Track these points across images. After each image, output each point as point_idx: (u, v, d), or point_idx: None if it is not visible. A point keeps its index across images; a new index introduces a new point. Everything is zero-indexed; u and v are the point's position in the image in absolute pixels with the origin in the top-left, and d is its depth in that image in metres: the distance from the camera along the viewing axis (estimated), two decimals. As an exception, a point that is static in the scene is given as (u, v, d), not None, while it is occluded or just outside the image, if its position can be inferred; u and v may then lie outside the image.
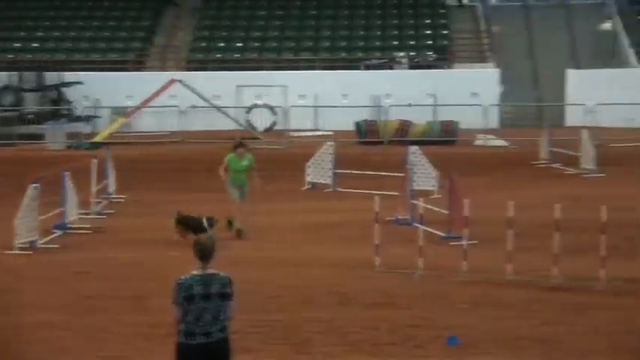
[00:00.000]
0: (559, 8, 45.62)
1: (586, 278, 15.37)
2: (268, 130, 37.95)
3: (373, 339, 12.43)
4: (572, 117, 38.39)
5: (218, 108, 37.34)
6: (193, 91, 36.75)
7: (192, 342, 8.55)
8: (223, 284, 8.61)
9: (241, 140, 21.14)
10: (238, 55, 44.08)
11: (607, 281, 15.03)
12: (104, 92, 39.38)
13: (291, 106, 36.55)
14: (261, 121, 38.58)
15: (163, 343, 11.53)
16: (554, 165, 29.09)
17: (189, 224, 18.39)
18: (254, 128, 37.81)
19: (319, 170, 26.02)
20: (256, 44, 44.75)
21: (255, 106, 38.71)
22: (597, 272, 15.14)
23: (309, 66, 42.83)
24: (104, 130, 36.68)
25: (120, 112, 38.22)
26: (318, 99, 39.08)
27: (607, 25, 44.41)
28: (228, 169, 19.14)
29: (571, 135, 30.69)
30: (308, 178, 26.09)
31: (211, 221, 18.41)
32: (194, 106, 37.39)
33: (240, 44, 44.75)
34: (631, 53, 41.70)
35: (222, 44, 44.75)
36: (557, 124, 35.17)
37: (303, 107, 38.27)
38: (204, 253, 8.59)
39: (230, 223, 19.05)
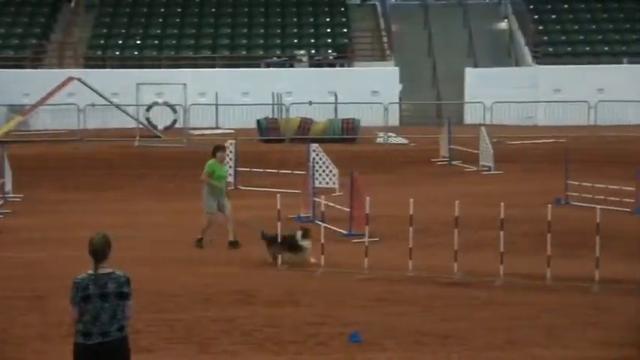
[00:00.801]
0: (457, 7, 46.22)
1: (485, 274, 15.57)
2: (168, 129, 37.59)
3: (276, 337, 12.39)
4: (471, 115, 38.94)
5: (117, 106, 36.85)
6: (92, 88, 36.18)
7: (89, 342, 8.40)
8: (120, 283, 8.47)
9: (220, 144, 18.80)
10: (137, 53, 43.57)
11: (505, 277, 15.25)
12: (0, 90, 38.48)
13: (192, 104, 36.26)
14: (161, 119, 38.19)
15: (62, 344, 11.30)
16: (453, 162, 29.45)
17: (283, 242, 16.35)
18: (154, 126, 37.41)
19: (220, 168, 25.80)
20: (155, 42, 44.31)
21: (155, 104, 38.31)
22: (496, 268, 15.35)
23: (209, 64, 42.57)
24: (0, 129, 35.85)
25: (16, 110, 37.42)
26: (218, 97, 38.86)
27: (503, 25, 45.17)
28: (210, 177, 17.60)
29: (470, 133, 31.11)
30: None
31: (307, 233, 16.44)
32: (93, 104, 36.82)
33: (138, 41, 44.25)
34: (526, 52, 42.48)
35: (120, 41, 44.18)
36: (457, 122, 35.61)
37: (204, 105, 38.01)
38: (97, 253, 8.43)
39: (200, 240, 17.76)
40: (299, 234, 16.36)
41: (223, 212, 17.75)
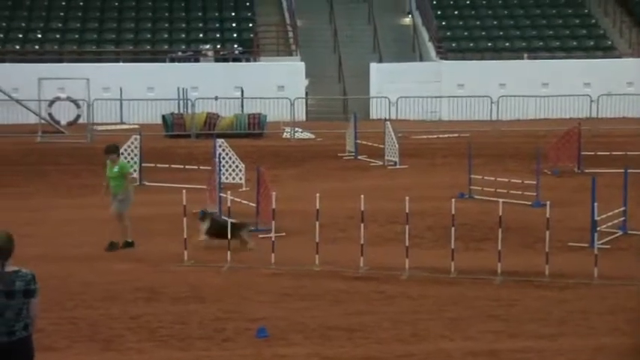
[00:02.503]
0: (361, 3, 46.47)
1: (391, 268, 15.72)
2: (72, 124, 37.00)
3: (182, 333, 12.32)
4: (377, 110, 39.21)
5: (18, 101, 36.15)
6: (-9, 83, 35.45)
7: (-6, 341, 8.21)
8: (27, 281, 8.30)
9: (113, 144, 18.12)
10: (38, 47, 42.79)
11: (411, 270, 15.41)
12: None
13: (95, 100, 35.76)
14: (64, 114, 37.57)
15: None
16: (359, 157, 29.63)
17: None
18: (57, 122, 36.79)
19: (125, 164, 25.52)
20: (57, 35, 43.56)
21: (58, 99, 37.68)
22: (402, 262, 15.50)
23: (113, 58, 42.04)
24: None
25: None
26: (123, 92, 38.40)
27: (407, 20, 45.58)
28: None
29: (376, 127, 31.34)
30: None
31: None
32: (-8, 99, 36.07)
33: (39, 35, 43.46)
34: (430, 47, 42.92)
35: (20, 35, 43.32)
36: (362, 116, 35.81)
37: (108, 100, 37.53)
38: (1, 251, 8.25)
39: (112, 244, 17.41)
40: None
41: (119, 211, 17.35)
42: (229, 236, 16.21)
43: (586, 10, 45.97)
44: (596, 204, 16.50)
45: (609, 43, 43.77)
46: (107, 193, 17.50)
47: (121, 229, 17.38)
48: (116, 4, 45.49)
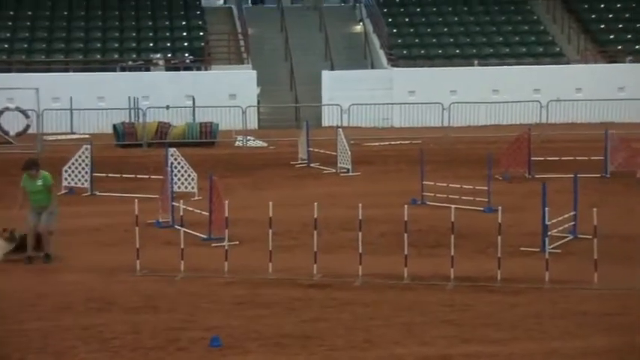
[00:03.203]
0: (313, 11, 46.56)
1: (344, 275, 15.75)
2: (21, 134, 36.63)
3: (135, 343, 12.24)
4: (329, 117, 39.26)
5: (-34, 112, 35.77)
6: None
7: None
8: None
9: (32, 159, 17.95)
10: (-14, 57, 42.33)
11: (364, 277, 15.45)
12: None
13: (45, 109, 35.45)
14: (13, 125, 37.18)
15: None
16: (312, 165, 29.65)
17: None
18: (6, 132, 36.40)
19: (76, 174, 25.37)
20: (5, 45, 43.12)
21: (7, 109, 37.29)
22: (355, 268, 15.54)
23: (63, 68, 41.69)
24: None
25: None
26: (73, 102, 38.09)
27: (358, 28, 45.73)
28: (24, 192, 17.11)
29: (328, 135, 31.39)
30: (65, 183, 25.38)
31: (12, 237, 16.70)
32: (-60, 110, 35.62)
33: (-12, 45, 43.02)
34: (382, 55, 43.09)
35: (-32, 45, 42.88)
36: (315, 124, 35.84)
37: (58, 110, 37.21)
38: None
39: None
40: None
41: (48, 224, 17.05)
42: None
43: (535, 17, 46.44)
44: (547, 209, 16.66)
45: (558, 49, 44.23)
46: (23, 207, 17.17)
47: (47, 242, 17.07)
48: (65, 13, 45.15)
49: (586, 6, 46.96)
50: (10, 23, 44.27)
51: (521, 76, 40.87)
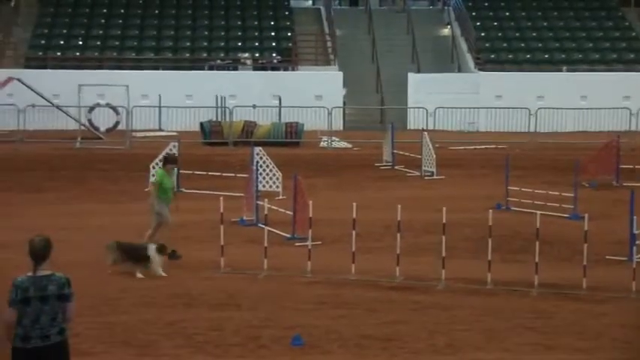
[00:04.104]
0: (400, 13, 46.47)
1: (427, 278, 15.69)
2: (111, 131, 37.28)
3: (218, 340, 12.36)
4: (414, 120, 39.16)
5: (58, 107, 36.48)
6: (32, 89, 35.77)
7: (28, 346, 8.28)
8: (60, 285, 8.36)
9: (173, 154, 18.03)
10: (79, 53, 43.17)
11: (446, 281, 15.37)
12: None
13: (134, 106, 36.02)
14: (103, 121, 37.87)
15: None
16: (396, 167, 29.59)
17: (129, 253, 16.11)
18: (96, 128, 37.09)
19: (163, 171, 25.64)
20: (97, 42, 43.92)
21: (97, 105, 37.99)
22: (438, 272, 15.46)
23: (153, 65, 42.31)
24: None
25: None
26: (161, 99, 38.63)
27: (446, 31, 45.51)
28: (157, 187, 16.99)
29: (413, 138, 31.29)
30: (152, 179, 25.69)
31: (162, 249, 16.08)
32: (33, 105, 36.40)
33: (80, 42, 43.84)
34: (469, 58, 42.83)
35: (61, 41, 43.73)
36: (400, 126, 35.77)
37: (147, 107, 37.78)
38: (37, 255, 8.33)
39: (173, 252, 16.78)
40: (152, 248, 15.95)
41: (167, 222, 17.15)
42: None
43: (627, 23, 45.68)
44: (634, 217, 16.36)
45: (649, 56, 43.46)
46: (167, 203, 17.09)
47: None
48: (156, 12, 45.80)
49: (679, 12, 46.07)
50: (102, 21, 45.08)
51: (611, 83, 40.24)
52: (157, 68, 41.98)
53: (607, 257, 17.35)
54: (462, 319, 13.45)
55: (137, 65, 41.98)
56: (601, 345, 12.39)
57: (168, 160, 17.75)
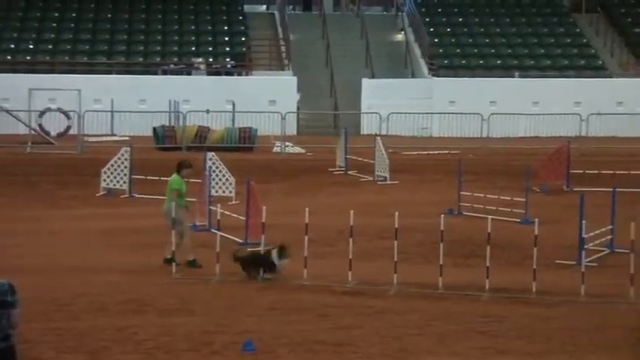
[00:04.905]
0: (354, 18, 46.62)
1: (379, 283, 15.74)
2: (62, 135, 36.99)
3: (168, 346, 12.30)
4: (368, 125, 39.28)
5: (8, 111, 36.13)
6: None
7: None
8: (2, 292, 8.26)
9: (186, 159, 17.89)
10: (29, 57, 42.77)
11: (399, 285, 15.43)
12: None
13: (86, 111, 35.78)
14: (54, 125, 37.56)
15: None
16: (350, 172, 29.66)
17: (255, 262, 16.06)
18: (47, 133, 36.77)
19: (115, 176, 25.57)
20: (49, 46, 43.56)
21: (49, 109, 37.68)
22: (390, 277, 15.52)
23: (105, 70, 42.06)
24: None
25: None
26: (114, 104, 38.41)
27: (400, 37, 45.71)
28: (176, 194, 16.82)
29: (366, 143, 31.39)
30: (104, 184, 25.60)
31: (283, 252, 15.90)
32: (-17, 109, 36.04)
33: (31, 46, 43.45)
34: (422, 64, 43.05)
35: (12, 45, 43.29)
36: (353, 132, 35.86)
37: (99, 112, 37.52)
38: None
39: (194, 261, 16.67)
40: (274, 252, 15.85)
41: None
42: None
43: (577, 30, 46.18)
44: (584, 222, 16.54)
45: (600, 62, 43.96)
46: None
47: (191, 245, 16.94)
48: (109, 15, 45.53)
49: (629, 20, 46.63)
50: (54, 25, 44.72)
51: (562, 89, 40.67)
52: (109, 73, 41.74)
53: (557, 261, 17.52)
54: (413, 324, 13.51)
55: (89, 69, 41.72)
56: (550, 348, 12.50)
57: (184, 165, 17.35)
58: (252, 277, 15.90)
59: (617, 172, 27.07)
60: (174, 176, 17.24)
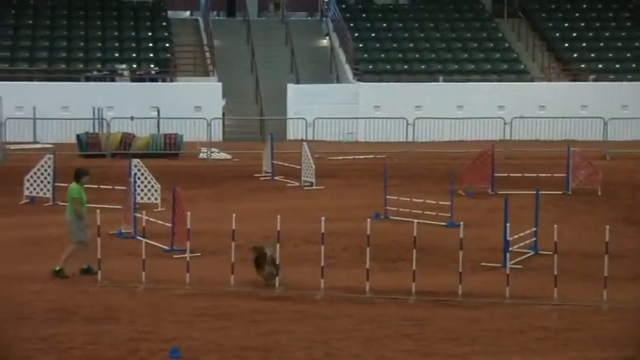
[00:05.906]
0: (279, 24, 46.63)
1: (306, 288, 15.76)
2: (-17, 143, 36.37)
3: (95, 354, 12.17)
4: (294, 131, 39.30)
5: None
6: None
7: None
8: None
9: (82, 167, 17.82)
10: (-50, 65, 42.00)
11: (326, 290, 15.46)
12: None
13: (8, 119, 35.24)
14: (-25, 133, 36.92)
15: None
16: (276, 178, 29.65)
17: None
18: (-32, 141, 36.14)
19: (39, 184, 25.23)
20: (-31, 53, 42.82)
21: (-31, 117, 37.02)
22: (317, 282, 15.55)
23: (27, 77, 41.45)
24: None
25: None
26: (36, 111, 37.88)
27: (324, 42, 45.83)
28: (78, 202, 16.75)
29: (292, 148, 31.41)
30: (27, 192, 25.24)
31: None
32: None
33: (-49, 53, 42.68)
34: (347, 69, 43.20)
35: None
36: (279, 137, 35.83)
37: (21, 119, 36.96)
38: None
39: (89, 269, 16.51)
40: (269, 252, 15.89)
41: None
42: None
43: (500, 34, 46.76)
44: (508, 225, 16.76)
45: (522, 67, 44.55)
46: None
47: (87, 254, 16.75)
48: (30, 22, 44.89)
49: (550, 24, 47.36)
50: (-26, 31, 43.96)
51: (486, 93, 41.12)
52: (31, 79, 41.14)
53: (482, 264, 17.71)
54: (341, 328, 13.55)
55: (10, 76, 41.05)
56: (476, 350, 12.63)
57: (82, 173, 17.20)
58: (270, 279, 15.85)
59: (541, 174, 27.46)
60: (74, 184, 17.06)
